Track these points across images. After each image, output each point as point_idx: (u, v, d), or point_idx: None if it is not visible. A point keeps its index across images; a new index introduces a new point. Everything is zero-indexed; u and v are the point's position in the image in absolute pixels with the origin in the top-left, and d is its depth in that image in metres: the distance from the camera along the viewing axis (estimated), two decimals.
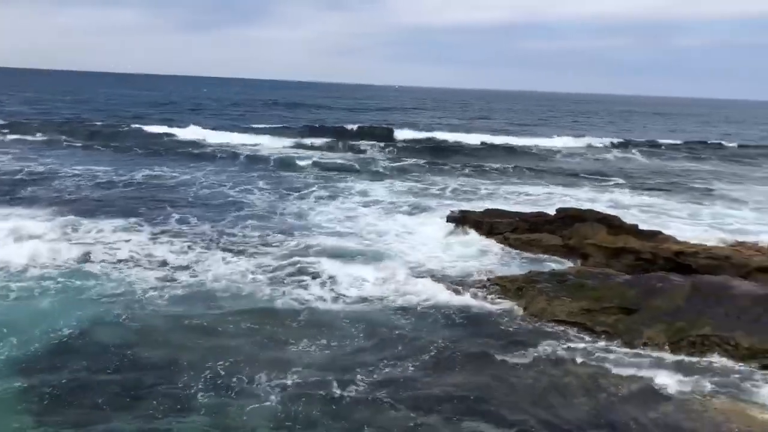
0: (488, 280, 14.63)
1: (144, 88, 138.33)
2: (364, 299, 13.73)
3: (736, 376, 10.49)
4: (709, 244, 16.94)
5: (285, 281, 14.57)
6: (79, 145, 38.35)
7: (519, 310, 13.12)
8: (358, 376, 10.15)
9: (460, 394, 9.72)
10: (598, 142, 51.11)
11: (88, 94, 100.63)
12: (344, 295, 13.88)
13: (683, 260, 15.46)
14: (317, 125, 54.52)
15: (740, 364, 10.79)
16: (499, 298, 13.75)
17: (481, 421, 9.08)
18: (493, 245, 18.32)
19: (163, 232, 18.24)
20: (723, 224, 22.38)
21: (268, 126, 52.62)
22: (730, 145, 55.55)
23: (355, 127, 51.86)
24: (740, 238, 18.34)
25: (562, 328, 12.39)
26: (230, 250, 16.75)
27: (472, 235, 19.08)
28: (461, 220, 19.78)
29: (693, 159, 45.89)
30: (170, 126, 47.43)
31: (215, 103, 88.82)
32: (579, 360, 10.88)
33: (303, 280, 14.64)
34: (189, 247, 16.90)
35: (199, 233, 18.41)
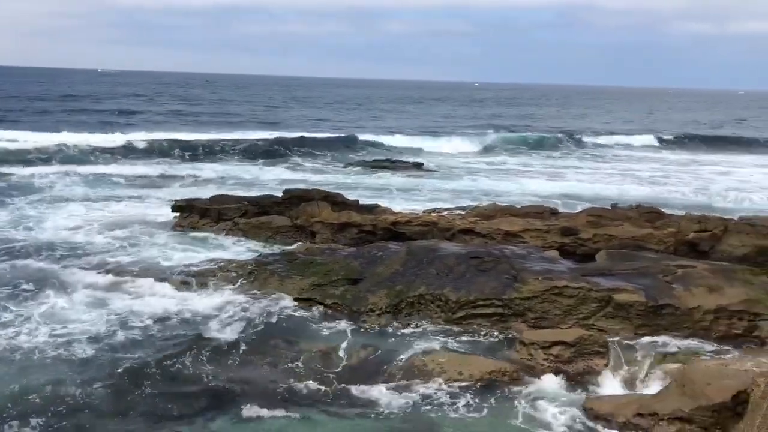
0: (219, 267, 14.42)
1: None
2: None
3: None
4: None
5: None
6: None
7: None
8: None
9: None
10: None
11: None
12: None
13: (399, 229, 16.86)
14: None
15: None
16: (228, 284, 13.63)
17: None
18: (221, 232, 18.19)
19: None
20: None
21: None
22: None
23: None
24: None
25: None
26: None
27: (200, 223, 18.67)
28: (188, 208, 19.20)
29: None
30: None
31: None
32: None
33: None
34: None
35: None
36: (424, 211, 19.01)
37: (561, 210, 19.04)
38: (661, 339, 11.29)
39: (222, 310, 12.49)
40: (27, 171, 27.85)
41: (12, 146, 33.00)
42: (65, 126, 41.99)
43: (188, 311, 12.49)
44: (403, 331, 12.00)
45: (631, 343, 11.17)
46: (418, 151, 41.00)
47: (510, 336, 11.65)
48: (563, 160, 41.22)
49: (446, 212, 18.40)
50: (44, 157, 31.34)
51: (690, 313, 11.60)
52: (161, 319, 12.12)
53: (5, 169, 27.76)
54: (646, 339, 11.30)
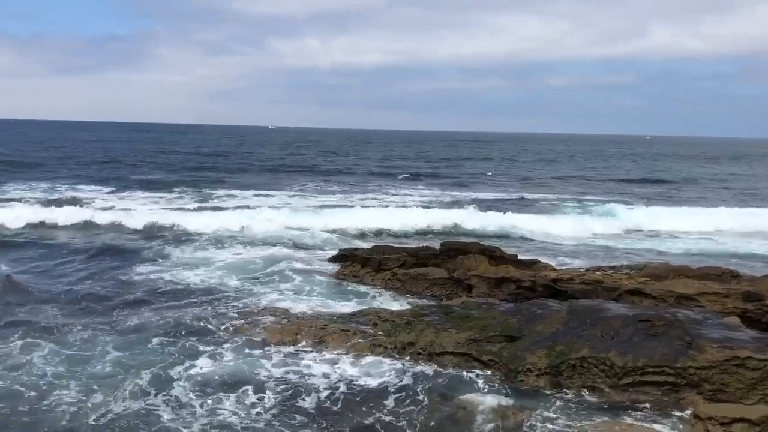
0: (378, 316, 14.66)
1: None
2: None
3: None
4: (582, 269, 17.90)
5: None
6: None
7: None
8: None
9: None
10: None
11: None
12: None
13: (560, 286, 16.24)
14: None
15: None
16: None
17: None
18: (380, 282, 18.59)
19: None
20: None
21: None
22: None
23: None
24: None
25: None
26: None
27: (362, 272, 19.20)
28: (350, 257, 19.85)
29: None
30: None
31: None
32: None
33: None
34: None
35: None
36: (587, 269, 18.21)
37: (742, 272, 17.43)
38: None
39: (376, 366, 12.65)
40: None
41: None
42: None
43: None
44: (562, 394, 11.43)
45: None
46: None
47: (683, 408, 10.69)
48: None
49: (611, 271, 17.47)
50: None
51: None
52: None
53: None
54: None
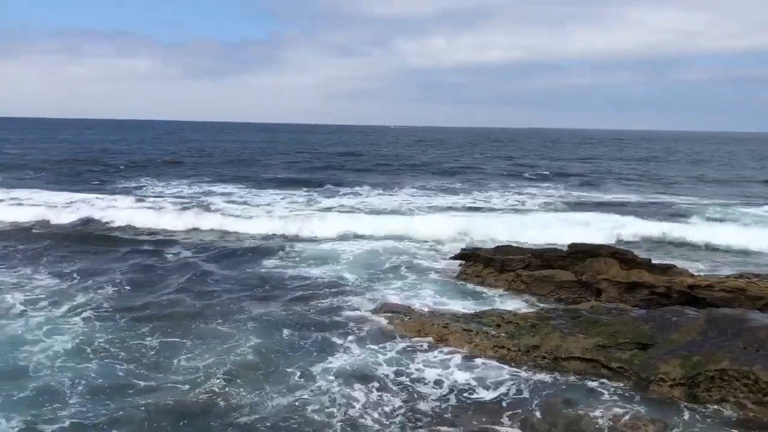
0: (501, 318, 14.47)
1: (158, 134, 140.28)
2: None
3: None
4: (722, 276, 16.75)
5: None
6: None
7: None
8: None
9: None
10: None
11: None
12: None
13: (698, 293, 15.30)
14: None
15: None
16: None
17: None
18: (503, 283, 18.33)
19: None
20: None
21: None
22: None
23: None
24: None
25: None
26: None
27: (484, 272, 19.02)
28: (473, 257, 19.72)
29: None
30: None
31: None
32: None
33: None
34: None
35: None
36: (728, 276, 17.01)
37: None
38: None
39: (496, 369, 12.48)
40: None
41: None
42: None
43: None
44: (698, 407, 10.76)
45: None
46: None
47: None
48: None
49: (756, 279, 16.22)
50: None
51: None
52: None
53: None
54: None
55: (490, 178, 53.17)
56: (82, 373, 11.67)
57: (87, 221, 27.71)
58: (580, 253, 18.32)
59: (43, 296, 16.38)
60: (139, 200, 34.44)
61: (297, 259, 21.75)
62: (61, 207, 30.29)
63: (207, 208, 31.90)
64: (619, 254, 17.88)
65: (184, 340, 13.56)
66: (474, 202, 36.75)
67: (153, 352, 12.90)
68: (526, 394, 11.32)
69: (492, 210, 33.72)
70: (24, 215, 28.42)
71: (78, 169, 52.67)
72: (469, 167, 64.15)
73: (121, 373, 11.80)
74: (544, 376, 12.05)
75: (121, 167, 55.86)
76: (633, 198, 40.24)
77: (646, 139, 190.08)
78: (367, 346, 13.31)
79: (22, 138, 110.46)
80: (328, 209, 32.80)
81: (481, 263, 19.31)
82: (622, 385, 11.60)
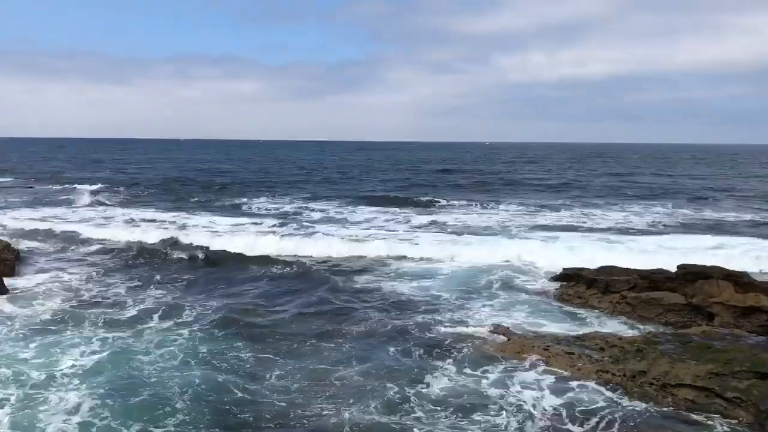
0: (605, 341, 13.95)
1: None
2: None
3: None
4: None
5: None
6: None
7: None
8: None
9: None
10: None
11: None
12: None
13: None
14: None
15: None
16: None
17: None
18: (608, 304, 17.69)
19: None
20: None
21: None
22: None
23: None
24: None
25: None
26: None
27: (587, 293, 18.43)
28: (575, 277, 19.15)
29: None
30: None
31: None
32: None
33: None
34: None
35: None
36: None
37: None
38: None
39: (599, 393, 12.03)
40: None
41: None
42: None
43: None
44: None
45: None
46: None
47: None
48: None
49: None
50: None
51: None
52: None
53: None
54: None
55: (595, 195, 51.49)
56: (188, 381, 12.21)
57: (193, 247, 27.95)
58: (690, 274, 17.40)
59: (156, 309, 17.31)
60: (251, 219, 35.90)
61: (392, 275, 21.91)
62: (173, 229, 31.51)
63: (306, 228, 32.40)
64: (733, 276, 16.85)
65: (278, 358, 13.90)
66: (577, 222, 35.62)
67: (249, 366, 13.33)
68: (632, 417, 10.87)
69: (594, 230, 32.51)
70: (147, 236, 29.58)
71: (189, 189, 55.13)
72: (570, 184, 62.43)
73: (220, 381, 12.28)
74: (653, 402, 11.51)
75: (235, 186, 57.82)
76: (756, 217, 37.70)
77: (766, 154, 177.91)
78: (466, 368, 13.13)
79: (148, 157, 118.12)
80: (426, 227, 32.82)
81: (584, 284, 18.72)
82: (736, 422, 10.83)
